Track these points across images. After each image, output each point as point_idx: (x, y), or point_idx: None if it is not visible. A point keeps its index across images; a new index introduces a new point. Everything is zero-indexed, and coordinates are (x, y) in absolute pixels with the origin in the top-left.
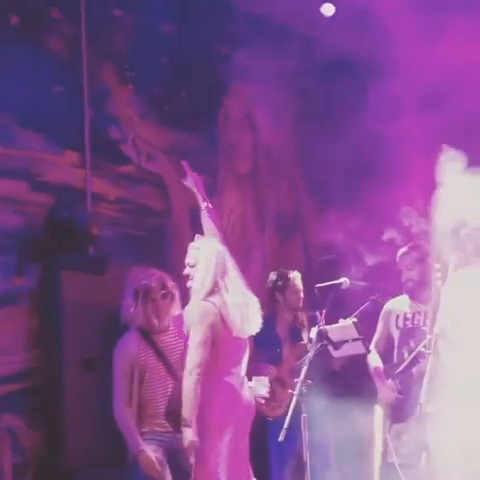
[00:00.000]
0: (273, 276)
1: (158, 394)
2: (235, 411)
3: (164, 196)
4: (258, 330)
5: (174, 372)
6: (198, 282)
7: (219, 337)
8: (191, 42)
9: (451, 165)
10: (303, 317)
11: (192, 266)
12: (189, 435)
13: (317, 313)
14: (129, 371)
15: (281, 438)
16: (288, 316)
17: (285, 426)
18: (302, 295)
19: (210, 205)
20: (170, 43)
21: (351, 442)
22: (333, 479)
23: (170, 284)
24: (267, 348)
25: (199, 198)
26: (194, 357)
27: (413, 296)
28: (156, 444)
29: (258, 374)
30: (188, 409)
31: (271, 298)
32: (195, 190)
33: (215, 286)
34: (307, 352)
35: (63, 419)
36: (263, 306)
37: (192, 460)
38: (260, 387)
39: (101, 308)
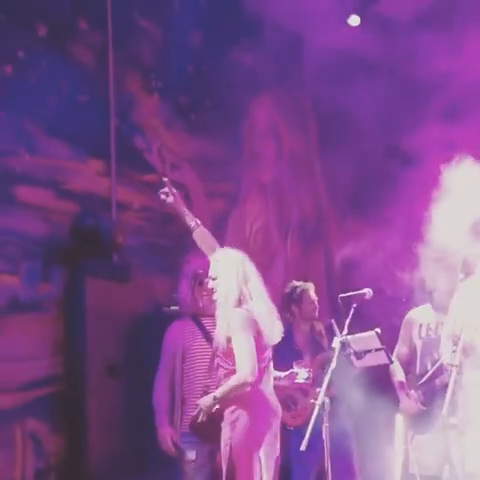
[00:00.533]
0: (287, 289)
1: (198, 375)
2: (268, 419)
3: (188, 205)
4: (280, 338)
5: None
6: (222, 295)
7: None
8: (217, 52)
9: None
10: (320, 326)
11: (214, 279)
12: (209, 401)
13: (333, 321)
14: (171, 351)
15: (303, 447)
16: (305, 326)
17: (307, 435)
18: (317, 305)
19: (199, 221)
20: (196, 52)
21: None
22: None
23: None
24: (287, 358)
25: (187, 217)
26: (251, 363)
27: (437, 306)
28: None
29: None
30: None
31: (287, 310)
32: (179, 209)
33: (240, 295)
34: (330, 361)
35: (86, 425)
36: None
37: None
38: (302, 372)
39: (125, 315)
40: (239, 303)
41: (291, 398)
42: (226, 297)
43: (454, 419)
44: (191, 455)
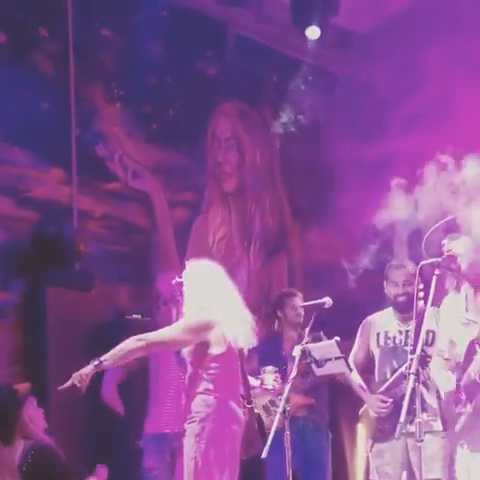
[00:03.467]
0: (276, 294)
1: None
2: (233, 429)
3: (150, 213)
4: (251, 345)
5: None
6: (186, 306)
7: (210, 346)
8: (179, 62)
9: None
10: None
11: (183, 292)
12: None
13: (321, 333)
14: None
15: (264, 455)
16: (292, 334)
17: (268, 443)
18: (301, 312)
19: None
20: (158, 62)
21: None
22: None
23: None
24: (274, 365)
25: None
26: (154, 337)
27: (402, 311)
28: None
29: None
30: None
31: (274, 316)
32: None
33: (202, 305)
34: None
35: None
36: (267, 324)
37: None
38: (269, 378)
39: (87, 324)
40: (201, 311)
41: (272, 402)
42: (188, 307)
43: (412, 427)
44: (154, 462)
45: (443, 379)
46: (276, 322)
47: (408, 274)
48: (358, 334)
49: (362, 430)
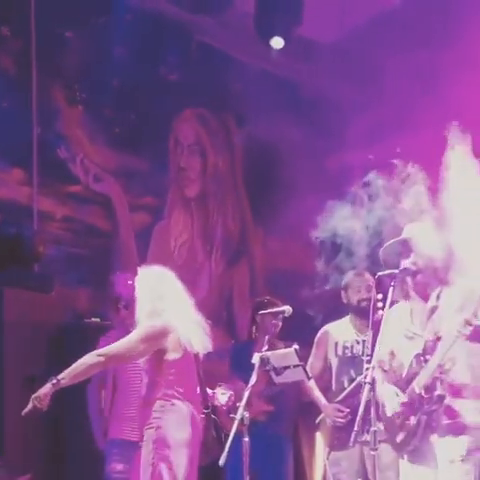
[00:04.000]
0: (258, 299)
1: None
2: (190, 434)
3: (110, 216)
4: (206, 350)
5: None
6: (137, 312)
7: (166, 352)
8: (142, 66)
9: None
10: (281, 345)
11: (135, 297)
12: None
13: (295, 344)
14: None
15: (221, 462)
16: (266, 342)
17: (226, 450)
18: (278, 322)
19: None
20: (122, 66)
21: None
22: None
23: None
24: (244, 371)
25: None
26: (112, 351)
27: (365, 317)
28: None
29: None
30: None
31: (252, 321)
32: None
33: (154, 309)
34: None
35: (3, 438)
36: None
37: None
38: (221, 396)
39: (44, 326)
40: (152, 317)
41: (235, 407)
42: (140, 313)
43: (366, 436)
44: (119, 466)
45: (390, 393)
46: (253, 328)
47: (368, 281)
48: (315, 343)
49: (320, 439)
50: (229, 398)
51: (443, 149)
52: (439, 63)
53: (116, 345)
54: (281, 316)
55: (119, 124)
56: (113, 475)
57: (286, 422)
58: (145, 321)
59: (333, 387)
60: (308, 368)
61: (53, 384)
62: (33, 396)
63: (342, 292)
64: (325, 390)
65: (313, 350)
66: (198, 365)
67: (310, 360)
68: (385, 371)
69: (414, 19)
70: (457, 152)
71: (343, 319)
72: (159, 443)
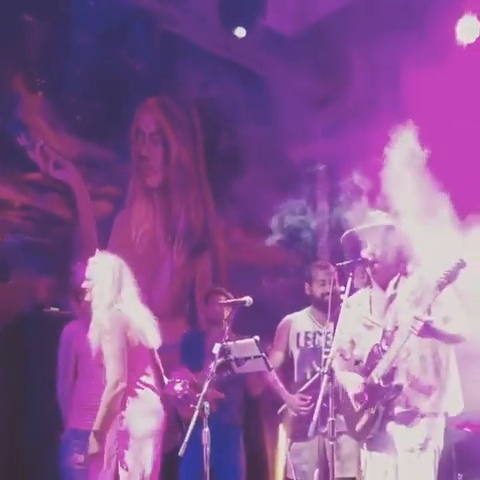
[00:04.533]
0: (209, 290)
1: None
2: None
3: (71, 205)
4: (157, 345)
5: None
6: (97, 296)
7: (128, 346)
8: (104, 54)
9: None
10: (233, 336)
11: (88, 280)
12: (95, 448)
13: (257, 337)
14: (65, 354)
15: (181, 452)
16: (215, 331)
17: (185, 440)
18: (223, 310)
19: None
20: (84, 53)
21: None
22: None
23: None
24: (193, 361)
25: None
26: (116, 369)
27: (323, 310)
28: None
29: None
30: (105, 422)
31: (202, 312)
32: None
33: (113, 299)
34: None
35: None
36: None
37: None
38: (176, 384)
39: (3, 315)
40: (111, 306)
41: (186, 397)
42: (100, 299)
43: (324, 427)
44: (79, 458)
45: (348, 380)
46: (206, 318)
47: (332, 274)
48: (276, 334)
49: (283, 430)
50: (184, 387)
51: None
52: (404, 56)
53: (111, 369)
54: (223, 306)
55: (81, 112)
56: (75, 466)
57: (236, 411)
58: (103, 311)
59: (295, 378)
60: (270, 358)
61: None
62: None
63: (306, 284)
64: (287, 381)
65: (274, 341)
66: (153, 355)
67: (272, 351)
68: (346, 359)
69: (378, 11)
70: (405, 144)
71: (304, 310)
72: (123, 433)
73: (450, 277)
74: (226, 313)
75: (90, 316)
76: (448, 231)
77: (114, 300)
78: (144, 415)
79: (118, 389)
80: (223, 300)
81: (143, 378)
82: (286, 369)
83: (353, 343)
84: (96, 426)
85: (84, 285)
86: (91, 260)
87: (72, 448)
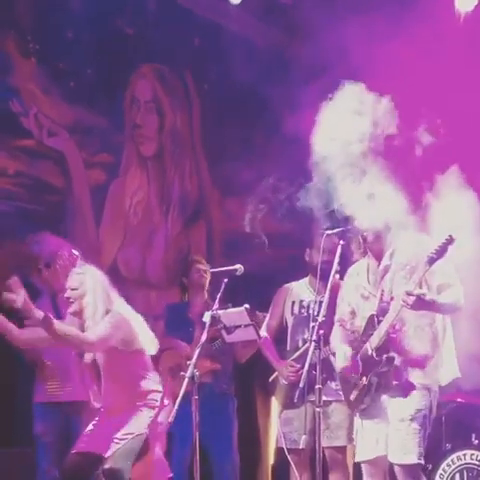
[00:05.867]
0: (186, 260)
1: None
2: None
3: (64, 173)
4: (155, 350)
5: None
6: (90, 306)
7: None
8: (97, 19)
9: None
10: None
11: (74, 289)
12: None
13: (229, 304)
14: None
15: (170, 419)
16: (199, 299)
17: (175, 407)
18: (206, 274)
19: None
20: (77, 18)
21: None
22: (233, 461)
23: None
24: (179, 330)
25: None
26: (106, 335)
27: (320, 279)
28: None
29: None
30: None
31: (181, 285)
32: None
33: (107, 308)
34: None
35: None
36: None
37: None
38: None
39: None
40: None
41: (178, 365)
42: (95, 309)
43: (313, 395)
44: (42, 429)
45: (340, 352)
46: (183, 289)
47: (326, 241)
48: (273, 302)
49: (275, 399)
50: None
51: None
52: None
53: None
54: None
55: (75, 78)
56: (41, 436)
57: (229, 380)
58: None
59: (288, 346)
60: (264, 327)
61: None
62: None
63: (307, 250)
64: (281, 349)
65: (270, 309)
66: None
67: (267, 318)
68: (346, 329)
69: None
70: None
71: (302, 279)
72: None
73: (439, 253)
74: (206, 281)
75: (52, 287)
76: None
77: (107, 309)
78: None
79: (86, 346)
80: (203, 266)
81: (143, 383)
82: (281, 337)
83: (353, 313)
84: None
85: (68, 295)
86: (75, 270)
87: (40, 420)
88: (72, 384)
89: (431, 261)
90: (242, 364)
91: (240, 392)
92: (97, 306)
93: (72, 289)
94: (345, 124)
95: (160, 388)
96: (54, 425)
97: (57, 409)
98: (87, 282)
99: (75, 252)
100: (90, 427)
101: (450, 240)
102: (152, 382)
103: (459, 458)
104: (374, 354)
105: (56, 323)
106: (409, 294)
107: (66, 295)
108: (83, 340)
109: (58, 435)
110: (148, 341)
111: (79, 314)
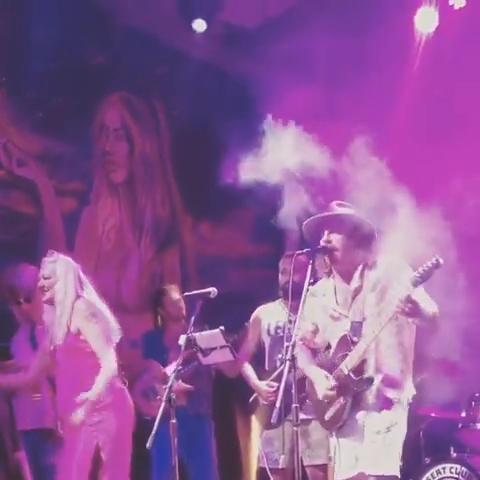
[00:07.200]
0: (152, 295)
1: None
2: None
3: (36, 201)
4: (118, 339)
5: None
6: (61, 292)
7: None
8: (65, 49)
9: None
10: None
11: (47, 278)
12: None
13: (206, 326)
14: None
15: (149, 445)
16: (176, 328)
17: (153, 432)
18: (182, 305)
19: None
20: (44, 49)
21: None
22: None
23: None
24: (155, 357)
25: None
26: (111, 350)
27: (290, 299)
28: None
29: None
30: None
31: (155, 314)
32: None
33: (77, 295)
34: (194, 360)
35: None
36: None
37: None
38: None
39: None
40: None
41: (152, 388)
42: (65, 294)
43: (301, 414)
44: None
45: (317, 374)
46: (158, 317)
47: (297, 261)
48: (250, 323)
49: (255, 419)
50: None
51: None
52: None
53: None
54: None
55: (44, 108)
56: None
57: (205, 401)
58: (70, 305)
59: (266, 366)
60: (244, 349)
61: None
62: None
63: (279, 274)
64: (260, 370)
65: (248, 330)
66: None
67: (246, 341)
68: (310, 348)
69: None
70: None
71: (278, 300)
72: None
73: (424, 276)
74: (182, 311)
75: (32, 320)
76: (408, 224)
77: (78, 295)
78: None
79: (116, 371)
80: (177, 295)
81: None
82: (259, 358)
83: (315, 332)
84: (93, 396)
85: (41, 284)
86: (47, 259)
87: None
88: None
89: (416, 283)
90: (223, 384)
91: (220, 413)
92: (66, 292)
93: (45, 278)
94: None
95: None
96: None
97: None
98: (58, 270)
99: None
100: None
101: (437, 264)
102: None
103: (439, 472)
104: (351, 374)
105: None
106: (408, 301)
107: (39, 284)
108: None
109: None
110: (115, 331)
111: (52, 301)
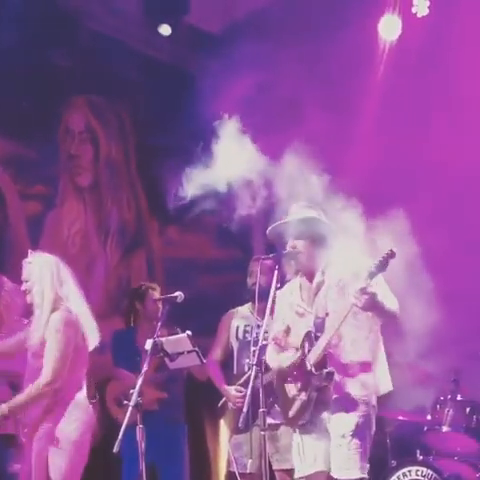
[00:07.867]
0: (133, 287)
1: None
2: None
3: (0, 206)
4: (94, 345)
5: None
6: (38, 296)
7: (77, 348)
8: (32, 52)
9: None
10: (164, 332)
11: (26, 281)
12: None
13: (178, 329)
14: None
15: (115, 449)
16: (148, 328)
17: (120, 437)
18: (160, 306)
19: None
20: (8, 52)
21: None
22: None
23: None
24: (127, 359)
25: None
26: (57, 369)
27: (257, 302)
28: None
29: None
30: (18, 409)
31: (131, 309)
32: None
33: (56, 296)
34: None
35: None
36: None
37: None
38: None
39: None
40: (56, 304)
41: (124, 395)
42: (42, 298)
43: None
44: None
45: (283, 358)
46: (132, 315)
47: (263, 266)
48: (218, 328)
49: (224, 424)
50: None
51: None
52: (325, 52)
53: (49, 368)
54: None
55: (7, 111)
56: None
57: (179, 407)
58: (48, 308)
59: (235, 371)
60: (212, 353)
61: None
62: None
63: (247, 277)
64: (228, 374)
65: (216, 335)
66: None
67: (214, 345)
68: (281, 347)
69: (304, 7)
70: None
71: (246, 304)
72: (58, 436)
73: (379, 267)
74: (160, 311)
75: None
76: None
77: (57, 297)
78: (80, 421)
79: (48, 389)
80: (157, 296)
81: (83, 382)
82: (227, 362)
83: (287, 331)
84: (8, 406)
85: (23, 287)
86: (26, 261)
87: None
88: None
89: (372, 275)
90: (192, 389)
91: (189, 417)
92: (44, 296)
93: (25, 281)
94: None
95: None
96: None
97: None
98: (34, 272)
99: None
100: None
101: (391, 254)
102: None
103: (405, 474)
104: (313, 369)
105: (4, 407)
106: (363, 292)
107: (22, 288)
108: (41, 392)
109: None
110: (91, 337)
111: (34, 304)
